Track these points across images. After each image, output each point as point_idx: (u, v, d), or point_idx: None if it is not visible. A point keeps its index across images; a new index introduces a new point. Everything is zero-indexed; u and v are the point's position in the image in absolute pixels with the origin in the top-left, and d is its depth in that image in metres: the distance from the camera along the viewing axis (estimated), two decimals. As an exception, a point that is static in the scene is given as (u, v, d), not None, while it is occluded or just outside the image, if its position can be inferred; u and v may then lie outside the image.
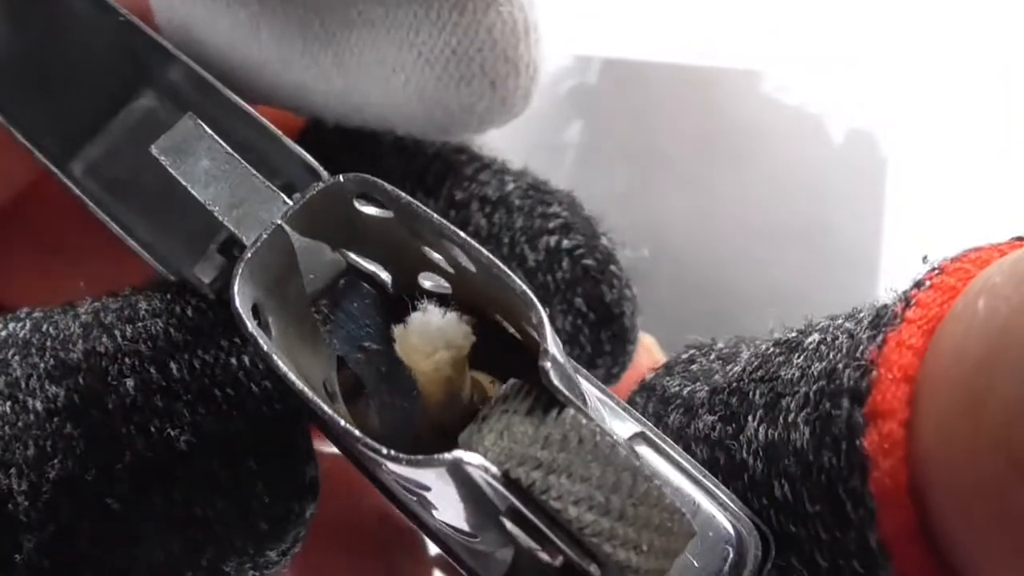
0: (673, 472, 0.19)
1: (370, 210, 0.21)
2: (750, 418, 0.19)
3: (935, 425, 0.16)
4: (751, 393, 0.19)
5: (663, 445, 0.20)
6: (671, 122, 0.60)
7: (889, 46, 0.58)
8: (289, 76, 0.25)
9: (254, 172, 0.22)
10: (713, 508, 0.19)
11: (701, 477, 0.20)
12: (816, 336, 0.19)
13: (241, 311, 0.19)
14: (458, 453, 0.17)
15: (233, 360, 0.22)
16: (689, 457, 0.20)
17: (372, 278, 0.23)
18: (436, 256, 0.21)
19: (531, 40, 0.23)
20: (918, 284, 0.18)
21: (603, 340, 0.25)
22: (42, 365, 0.21)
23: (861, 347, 0.17)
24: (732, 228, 0.56)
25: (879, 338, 0.17)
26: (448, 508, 0.19)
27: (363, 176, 0.20)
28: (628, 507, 0.17)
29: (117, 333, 0.22)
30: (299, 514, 0.22)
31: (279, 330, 0.21)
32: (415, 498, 0.20)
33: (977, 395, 0.15)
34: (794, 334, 0.20)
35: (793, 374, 0.19)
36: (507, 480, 0.17)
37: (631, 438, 0.20)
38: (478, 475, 0.17)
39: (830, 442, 0.17)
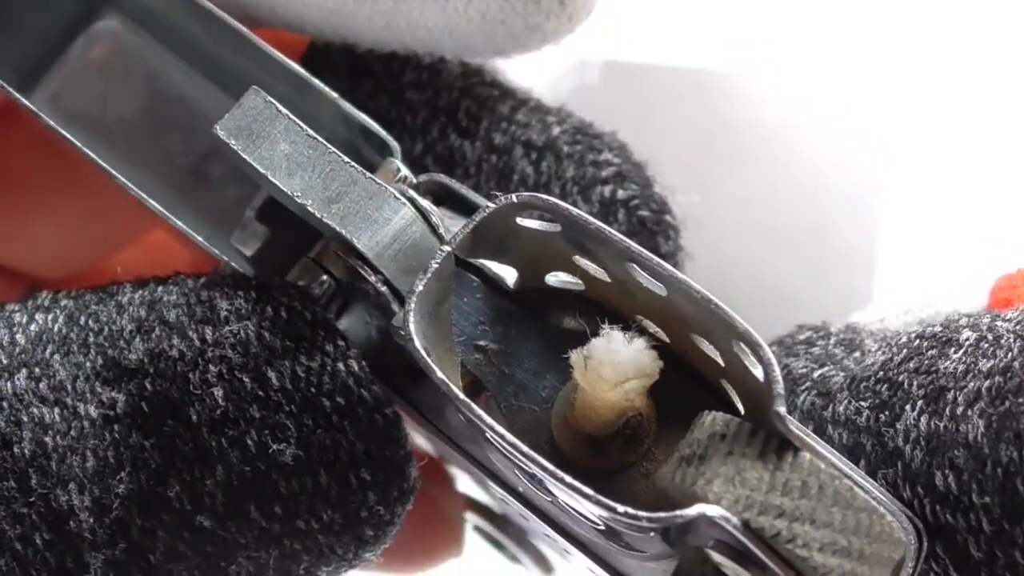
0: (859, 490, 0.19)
1: (531, 223, 0.20)
2: (908, 407, 0.19)
3: None
4: (906, 383, 0.20)
5: (831, 458, 0.19)
6: (671, 124, 0.60)
7: (888, 49, 0.58)
8: (325, 2, 0.24)
9: (347, 160, 0.20)
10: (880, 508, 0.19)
11: (849, 470, 0.19)
12: (970, 333, 0.20)
13: (423, 353, 0.18)
14: (700, 508, 0.17)
15: (341, 366, 0.20)
16: (832, 449, 0.20)
17: (480, 270, 0.21)
18: (588, 264, 0.20)
19: None
20: None
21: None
22: (88, 364, 0.19)
23: None
24: (731, 229, 0.56)
25: None
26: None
27: (541, 197, 0.19)
28: (866, 547, 0.17)
29: (194, 335, 0.20)
30: (402, 515, 0.21)
31: (436, 355, 0.19)
32: (567, 510, 0.19)
33: None
34: (937, 328, 0.21)
35: (956, 368, 0.19)
36: (748, 530, 0.17)
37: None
38: (720, 527, 0.17)
39: (1011, 437, 0.17)
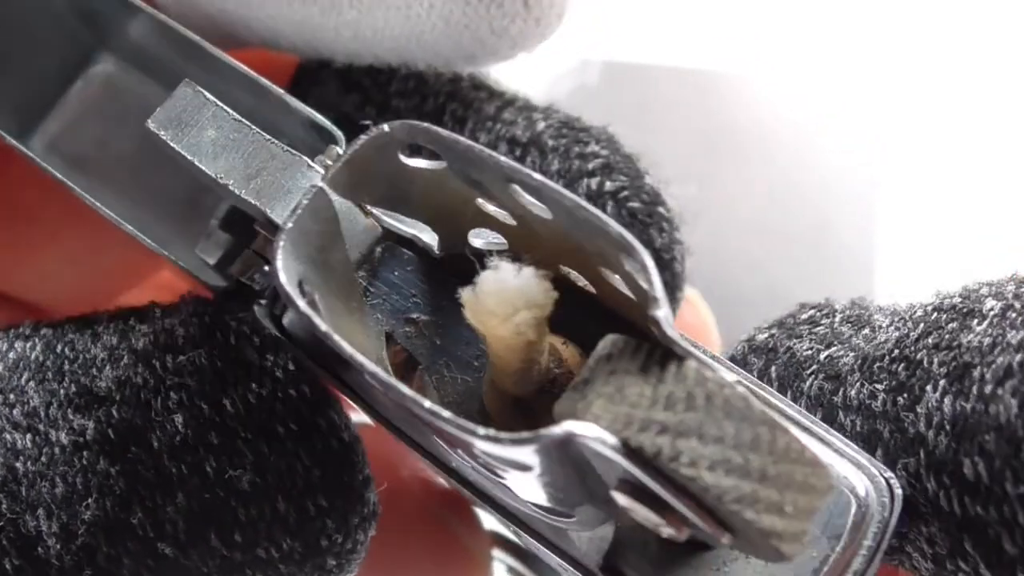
0: (780, 421, 0.17)
1: (418, 163, 0.19)
2: (929, 388, 0.17)
3: None
4: (924, 361, 0.18)
5: (763, 394, 0.18)
6: (671, 124, 0.60)
7: (887, 49, 0.58)
8: (293, 9, 0.23)
9: (268, 137, 0.20)
10: (830, 455, 0.18)
11: (809, 423, 0.18)
12: (994, 303, 0.18)
13: (289, 290, 0.17)
14: (569, 425, 0.15)
15: (292, 392, 0.20)
16: (791, 402, 0.18)
17: (412, 242, 0.21)
18: (493, 208, 0.19)
19: None
20: None
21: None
22: (62, 392, 0.20)
23: None
24: (731, 229, 0.56)
25: None
26: (535, 487, 0.17)
27: (413, 123, 0.18)
28: (769, 466, 0.15)
29: (156, 363, 0.20)
30: (364, 543, 0.21)
31: (326, 306, 0.19)
32: (492, 478, 0.18)
33: None
34: (956, 299, 0.19)
35: (981, 341, 0.17)
36: (627, 450, 0.15)
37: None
38: (592, 447, 0.15)
39: None
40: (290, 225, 0.18)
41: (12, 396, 0.19)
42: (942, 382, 0.17)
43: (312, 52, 0.25)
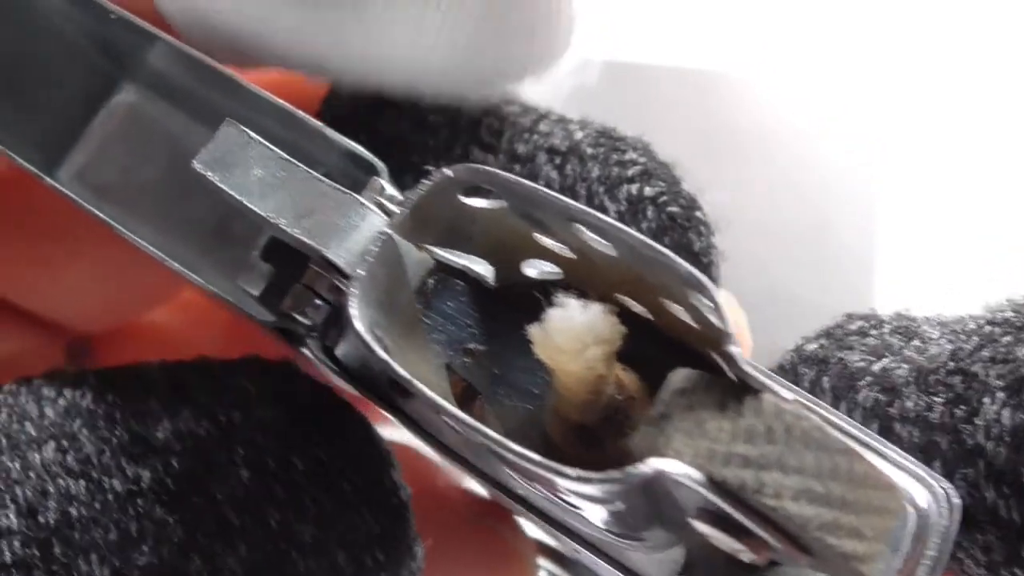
0: (841, 438, 0.17)
1: (478, 202, 0.19)
2: (987, 400, 0.18)
3: None
4: (981, 373, 0.18)
5: (820, 410, 0.19)
6: (671, 125, 0.60)
7: (888, 50, 0.58)
8: (303, 39, 0.24)
9: (316, 175, 0.20)
10: (889, 468, 0.18)
11: (868, 438, 0.18)
12: None
13: (368, 338, 0.17)
14: (655, 463, 0.16)
15: (362, 452, 0.21)
16: (848, 417, 0.19)
17: (464, 273, 0.21)
18: (550, 242, 0.19)
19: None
20: None
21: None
22: (115, 440, 0.20)
23: None
24: (731, 229, 0.56)
25: None
26: (608, 515, 0.18)
27: (477, 167, 0.19)
28: (848, 493, 0.15)
29: (222, 419, 0.20)
30: None
31: (395, 348, 0.19)
32: (566, 507, 0.19)
33: None
34: (1009, 313, 0.19)
35: None
36: (712, 483, 0.15)
37: None
38: (678, 482, 0.16)
39: None
40: (362, 272, 0.18)
41: (65, 442, 0.20)
42: (1000, 394, 0.18)
43: (321, 74, 0.25)
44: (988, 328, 0.19)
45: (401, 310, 0.20)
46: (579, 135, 0.24)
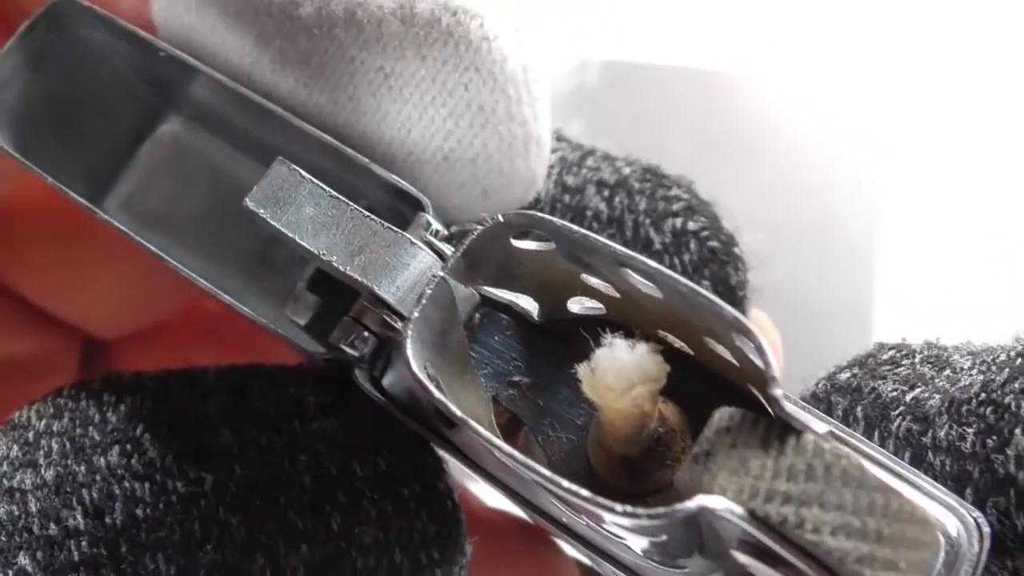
0: (874, 469, 0.18)
1: (528, 245, 0.20)
2: (1018, 431, 0.18)
3: None
4: (1013, 405, 0.19)
5: (854, 441, 0.19)
6: (671, 124, 0.61)
7: (888, 49, 0.59)
8: (312, 100, 0.24)
9: (367, 214, 0.20)
10: (921, 499, 0.19)
11: (901, 469, 0.19)
12: None
13: (422, 378, 0.18)
14: (700, 499, 0.16)
15: (420, 459, 0.22)
16: (880, 448, 0.20)
17: (509, 307, 0.22)
18: (596, 282, 0.20)
19: (531, 155, 0.22)
20: None
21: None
22: (176, 445, 0.20)
23: None
24: (731, 228, 0.57)
25: None
26: (651, 544, 0.19)
27: (529, 213, 0.19)
28: (884, 528, 0.16)
29: (284, 427, 0.21)
30: None
31: (446, 385, 0.20)
32: (610, 537, 0.19)
33: None
34: None
35: None
36: (754, 518, 0.16)
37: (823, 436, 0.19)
38: (722, 517, 0.17)
39: None
40: (416, 315, 0.19)
41: (129, 447, 0.20)
42: None
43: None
44: (1019, 361, 0.20)
45: (452, 348, 0.21)
46: (627, 171, 0.25)
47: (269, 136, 0.24)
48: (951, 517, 0.19)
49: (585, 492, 0.17)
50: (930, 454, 0.20)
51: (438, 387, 0.19)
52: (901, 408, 0.21)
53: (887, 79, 0.59)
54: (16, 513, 0.19)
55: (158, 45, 0.23)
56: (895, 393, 0.21)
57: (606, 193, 0.25)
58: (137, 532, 0.20)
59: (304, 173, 0.21)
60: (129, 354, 0.31)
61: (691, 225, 0.24)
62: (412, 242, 0.20)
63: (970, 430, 0.19)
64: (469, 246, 0.20)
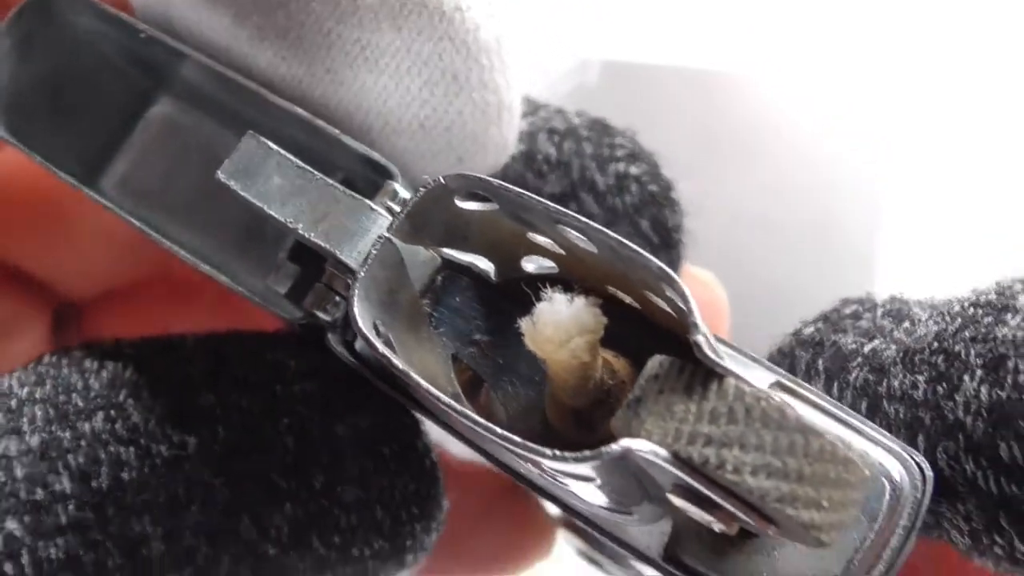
0: (817, 415, 0.19)
1: (472, 205, 0.21)
2: (966, 378, 0.19)
3: None
4: (962, 353, 0.19)
5: (801, 390, 0.20)
6: (671, 124, 0.61)
7: (888, 48, 0.59)
8: (290, 72, 0.24)
9: (331, 182, 0.21)
10: (865, 444, 0.19)
11: (846, 416, 0.20)
12: None
13: (368, 334, 0.19)
14: (625, 442, 0.17)
15: (400, 420, 0.23)
16: (827, 396, 0.20)
17: (470, 269, 0.22)
18: (542, 239, 0.21)
19: (504, 121, 0.23)
20: None
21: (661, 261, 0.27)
22: (159, 409, 0.21)
23: None
24: (731, 227, 0.57)
25: None
26: (597, 492, 0.19)
27: (467, 175, 0.20)
28: (805, 467, 0.17)
29: (265, 391, 0.22)
30: (437, 538, 0.23)
31: (399, 342, 0.21)
32: (559, 485, 0.20)
33: None
34: (992, 295, 0.20)
35: (1016, 335, 0.18)
36: (678, 460, 0.17)
37: (770, 387, 0.20)
38: (647, 459, 0.17)
39: None
40: (362, 274, 0.20)
41: (113, 412, 0.21)
42: (979, 372, 0.19)
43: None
44: (971, 310, 0.20)
45: (403, 307, 0.21)
46: (576, 120, 0.27)
47: (249, 112, 0.25)
48: (894, 461, 0.19)
49: (516, 438, 0.18)
50: (885, 403, 0.20)
51: (387, 344, 0.20)
52: (859, 359, 0.21)
53: (887, 79, 0.59)
54: (2, 479, 0.20)
55: (138, 27, 0.24)
56: (854, 345, 0.21)
57: (556, 139, 0.26)
58: (123, 495, 0.20)
59: (272, 145, 0.22)
60: (102, 318, 0.31)
61: (633, 170, 0.26)
62: (372, 208, 0.21)
63: (922, 378, 0.19)
64: (412, 208, 0.20)
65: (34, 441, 0.20)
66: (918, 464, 0.19)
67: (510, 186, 0.20)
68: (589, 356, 0.19)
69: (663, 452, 0.17)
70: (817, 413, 0.19)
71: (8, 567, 0.19)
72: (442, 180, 0.20)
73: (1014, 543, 0.18)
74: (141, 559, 0.20)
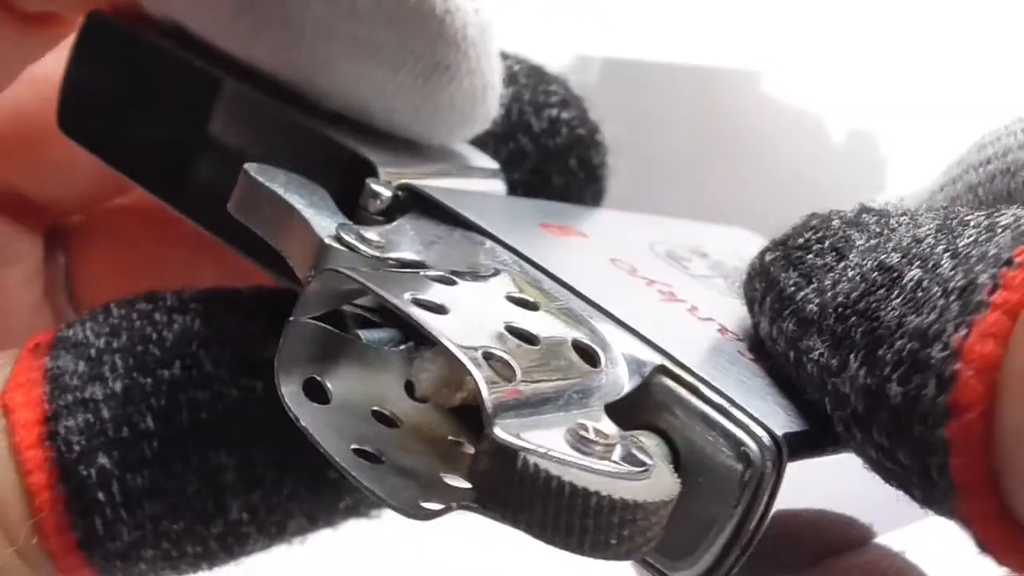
0: (693, 399, 0.19)
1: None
2: (852, 357, 0.18)
3: (1015, 421, 0.16)
4: (852, 329, 0.18)
5: (681, 373, 0.20)
6: (671, 121, 0.61)
7: (889, 46, 0.59)
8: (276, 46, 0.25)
9: (304, 217, 0.21)
10: (727, 423, 0.19)
11: (718, 399, 0.19)
12: (916, 273, 0.18)
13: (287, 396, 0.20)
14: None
15: None
16: (706, 379, 0.20)
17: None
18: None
19: (488, 99, 0.25)
20: (1008, 262, 0.17)
21: (587, 196, 0.30)
22: (227, 357, 0.23)
23: (949, 326, 0.17)
24: (730, 224, 0.57)
25: (967, 320, 0.17)
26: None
27: (335, 274, 0.20)
28: (588, 521, 0.17)
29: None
30: None
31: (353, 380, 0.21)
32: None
33: None
34: (896, 257, 0.19)
35: (891, 319, 0.18)
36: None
37: (652, 372, 0.20)
38: None
39: (921, 416, 0.17)
40: (281, 353, 0.21)
41: (188, 360, 0.23)
42: (861, 353, 0.18)
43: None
44: (875, 275, 0.19)
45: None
46: (516, 68, 0.30)
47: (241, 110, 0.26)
48: (750, 440, 0.19)
49: None
50: (805, 359, 0.20)
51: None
52: (792, 307, 0.20)
53: (887, 78, 0.59)
54: (91, 420, 0.22)
55: (158, 44, 0.25)
56: (792, 289, 0.21)
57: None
58: (201, 432, 0.22)
59: (260, 179, 0.22)
60: (89, 253, 0.33)
61: (564, 115, 0.29)
62: (329, 246, 0.21)
63: (824, 347, 0.19)
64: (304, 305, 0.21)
65: (118, 386, 0.23)
66: (775, 441, 0.19)
67: (370, 284, 0.19)
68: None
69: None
70: (692, 397, 0.19)
71: (101, 495, 0.22)
72: (312, 288, 0.20)
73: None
74: (217, 486, 0.22)
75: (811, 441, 0.19)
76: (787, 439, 0.19)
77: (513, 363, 0.18)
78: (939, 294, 0.17)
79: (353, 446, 0.20)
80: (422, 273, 0.20)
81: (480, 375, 0.17)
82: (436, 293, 0.19)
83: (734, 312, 0.24)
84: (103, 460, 0.22)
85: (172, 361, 0.23)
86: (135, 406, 0.22)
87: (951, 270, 0.18)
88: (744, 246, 0.32)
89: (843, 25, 0.60)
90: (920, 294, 0.18)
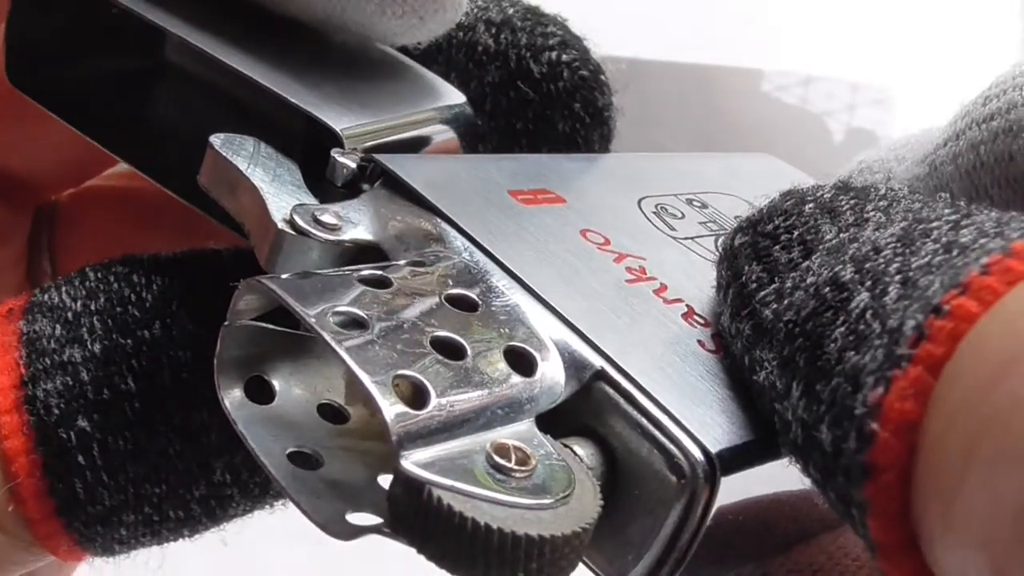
0: (629, 409, 0.19)
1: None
2: (794, 385, 0.17)
3: (930, 484, 0.15)
4: (798, 354, 0.18)
5: (620, 380, 0.19)
6: (671, 120, 0.61)
7: (889, 46, 0.59)
8: None
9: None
10: (660, 436, 0.18)
11: (644, 400, 0.19)
12: (864, 298, 0.17)
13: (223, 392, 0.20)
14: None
15: None
16: (644, 387, 0.19)
17: None
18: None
19: None
20: (936, 309, 0.16)
21: (594, 140, 0.29)
22: (208, 320, 0.23)
23: (870, 379, 0.16)
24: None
25: (887, 376, 0.16)
26: None
27: (254, 283, 0.20)
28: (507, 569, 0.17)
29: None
30: None
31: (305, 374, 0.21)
32: None
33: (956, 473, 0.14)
34: (850, 271, 0.18)
35: (832, 351, 0.17)
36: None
37: (591, 377, 0.19)
38: None
39: (844, 469, 0.16)
40: (218, 354, 0.21)
41: (169, 320, 0.23)
42: (802, 384, 0.17)
43: None
44: (825, 290, 0.18)
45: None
46: (511, 10, 0.29)
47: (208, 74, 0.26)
48: (681, 454, 0.18)
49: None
50: (758, 367, 0.19)
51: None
52: (751, 307, 0.19)
53: (887, 77, 0.59)
54: (70, 383, 0.22)
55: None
56: (754, 285, 0.19)
57: (493, 30, 0.28)
58: (184, 392, 0.22)
59: (224, 153, 0.22)
60: (75, 223, 0.33)
61: (564, 57, 0.28)
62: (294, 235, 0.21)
63: (774, 360, 0.18)
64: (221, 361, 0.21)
65: (97, 348, 0.23)
66: (707, 456, 0.18)
67: (288, 296, 0.19)
68: None
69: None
70: (629, 406, 0.19)
71: (81, 458, 0.21)
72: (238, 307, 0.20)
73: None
74: (200, 445, 0.22)
75: (755, 452, 0.19)
76: (723, 454, 0.18)
77: (429, 386, 0.17)
78: (878, 331, 0.16)
79: (290, 449, 0.20)
80: (355, 275, 0.20)
81: (387, 405, 0.16)
82: (363, 301, 0.19)
83: (708, 285, 0.22)
84: (83, 423, 0.22)
85: (152, 321, 0.23)
86: (116, 367, 0.22)
87: (895, 302, 0.17)
88: (760, 181, 0.28)
89: (843, 25, 0.60)
90: (862, 327, 0.17)
